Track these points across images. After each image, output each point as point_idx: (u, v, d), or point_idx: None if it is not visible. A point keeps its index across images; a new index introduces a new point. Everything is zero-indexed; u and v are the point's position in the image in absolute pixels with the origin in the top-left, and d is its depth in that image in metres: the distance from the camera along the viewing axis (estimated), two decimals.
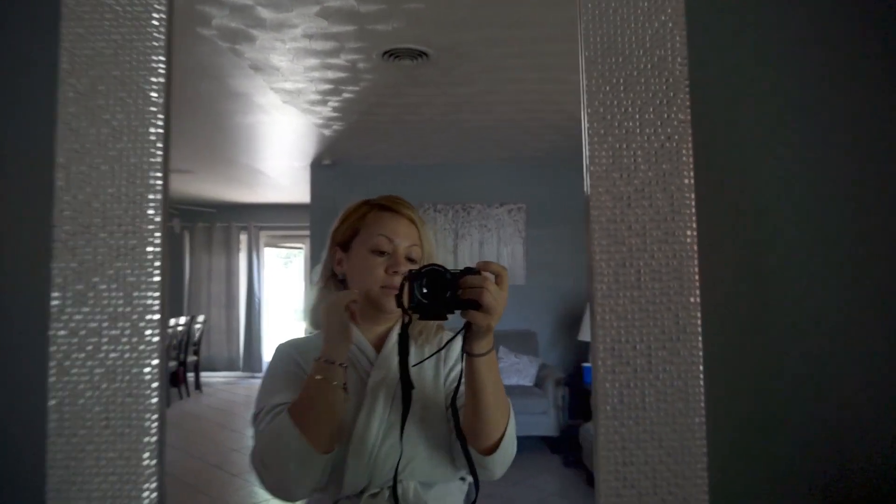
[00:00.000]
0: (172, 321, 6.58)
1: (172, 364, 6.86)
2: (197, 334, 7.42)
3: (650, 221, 0.49)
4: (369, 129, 4.62)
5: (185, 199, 7.49)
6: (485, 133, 4.70)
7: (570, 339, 5.43)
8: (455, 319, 0.96)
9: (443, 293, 0.90)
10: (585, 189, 0.53)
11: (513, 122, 4.41)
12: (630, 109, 0.51)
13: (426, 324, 1.19)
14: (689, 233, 0.50)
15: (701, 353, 0.55)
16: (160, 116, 0.44)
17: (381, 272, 1.14)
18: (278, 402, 1.08)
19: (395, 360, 1.07)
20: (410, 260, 1.17)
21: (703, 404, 0.55)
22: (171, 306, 7.74)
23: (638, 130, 0.51)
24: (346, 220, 1.23)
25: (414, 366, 1.06)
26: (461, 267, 0.93)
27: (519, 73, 3.41)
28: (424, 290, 0.90)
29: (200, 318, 7.50)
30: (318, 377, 1.02)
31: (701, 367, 0.56)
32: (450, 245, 5.62)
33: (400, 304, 0.97)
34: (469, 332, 0.94)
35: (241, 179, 6.37)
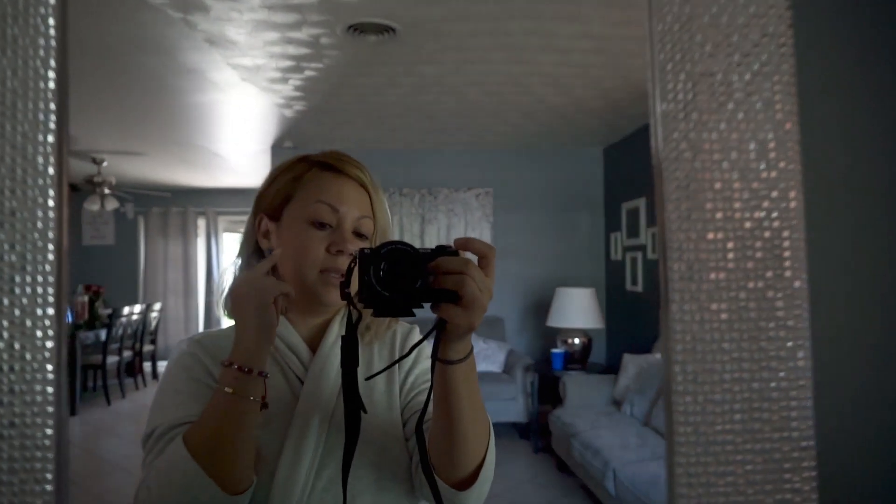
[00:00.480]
0: (127, 310, 6.33)
1: (128, 354, 6.63)
2: (153, 323, 7.18)
3: (742, 182, 0.36)
4: (333, 111, 4.46)
5: (139, 182, 7.18)
6: (451, 116, 4.60)
7: (537, 325, 5.42)
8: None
9: (409, 281, 0.67)
10: (655, 144, 0.40)
11: (479, 105, 4.32)
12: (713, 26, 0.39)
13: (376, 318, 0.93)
14: (793, 202, 0.36)
15: (810, 360, 0.37)
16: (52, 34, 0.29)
17: (320, 251, 0.88)
18: (175, 421, 0.82)
19: (337, 365, 0.87)
20: (359, 235, 0.92)
21: (812, 422, 0.39)
22: (126, 295, 7.48)
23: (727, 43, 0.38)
24: (277, 181, 0.95)
25: (367, 379, 0.85)
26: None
27: (485, 52, 3.31)
28: (382, 276, 0.67)
29: (157, 307, 7.24)
30: (228, 390, 0.76)
31: (809, 376, 0.38)
32: (416, 230, 5.52)
33: (346, 295, 0.74)
34: (443, 333, 0.70)
35: (196, 162, 6.12)
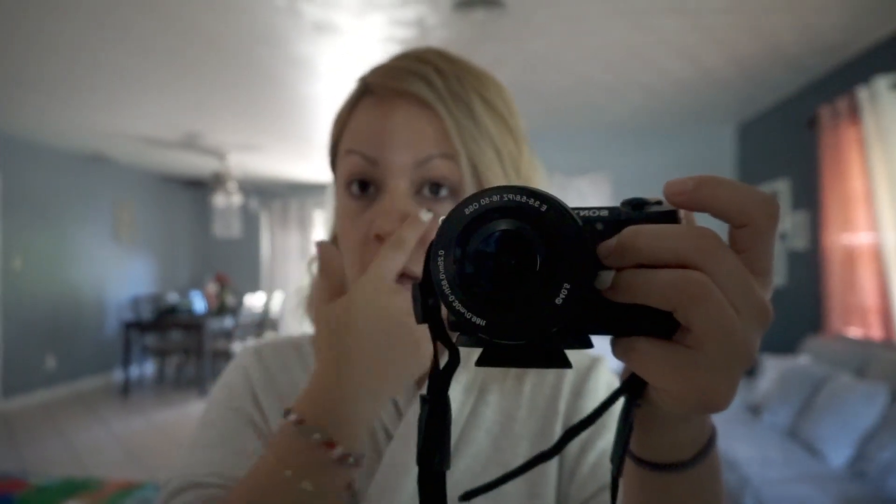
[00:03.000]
0: (250, 298, 6.66)
1: (251, 341, 6.99)
2: (275, 311, 7.54)
3: None
4: None
5: (260, 177, 7.53)
6: (563, 95, 4.32)
7: None
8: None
9: (539, 289, 0.28)
10: None
11: (594, 82, 4.01)
12: None
13: None
14: None
15: None
16: None
17: (358, 238, 0.54)
18: (192, 476, 0.53)
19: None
20: (434, 192, 0.53)
21: None
22: (250, 285, 7.87)
23: None
24: (333, 126, 0.60)
25: (471, 494, 0.39)
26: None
27: (602, 20, 3.02)
28: (483, 276, 0.29)
29: (278, 296, 7.60)
30: (288, 473, 0.44)
31: None
32: None
33: (428, 314, 0.34)
34: (641, 405, 0.34)
35: (311, 156, 6.28)
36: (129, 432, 4.77)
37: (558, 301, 0.27)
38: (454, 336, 0.33)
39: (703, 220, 0.31)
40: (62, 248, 6.03)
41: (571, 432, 0.36)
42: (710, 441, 0.36)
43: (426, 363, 0.47)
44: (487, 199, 0.28)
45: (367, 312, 0.46)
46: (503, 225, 0.28)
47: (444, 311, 0.31)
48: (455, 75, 0.55)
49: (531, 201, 0.28)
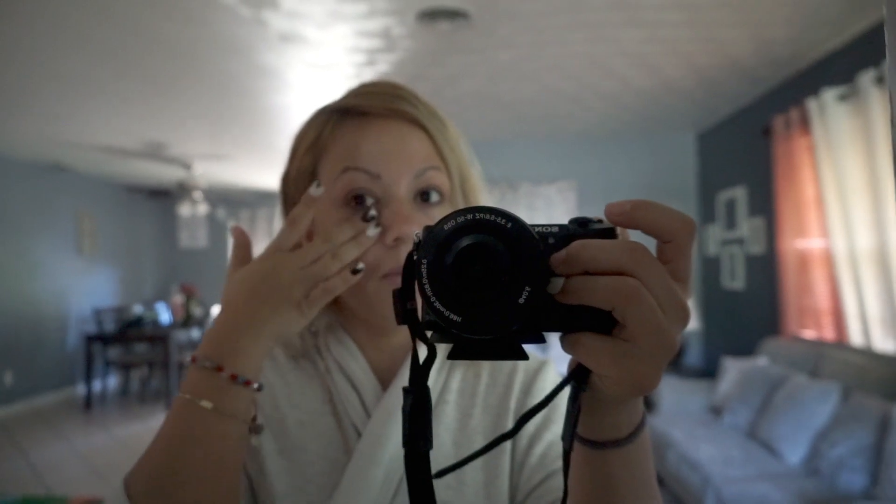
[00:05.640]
0: (215, 310, 6.56)
1: None
2: None
3: None
4: None
5: (228, 186, 7.44)
6: (529, 104, 4.39)
7: None
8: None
9: (504, 292, 0.34)
10: None
11: (559, 91, 4.09)
12: None
13: None
14: None
15: None
16: None
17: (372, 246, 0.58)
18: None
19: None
20: (425, 200, 0.61)
21: None
22: (217, 295, 7.74)
23: None
24: (296, 154, 0.66)
25: (439, 474, 0.42)
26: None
27: (564, 32, 3.09)
28: (451, 284, 0.34)
29: None
30: (190, 397, 0.51)
31: None
32: None
33: (405, 315, 0.39)
34: (585, 390, 0.39)
35: (279, 165, 6.22)
36: (92, 448, 4.66)
37: (521, 300, 0.34)
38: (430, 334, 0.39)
39: (636, 235, 0.36)
40: (21, 260, 5.87)
41: (527, 415, 0.41)
42: (642, 423, 0.42)
43: (292, 322, 0.54)
44: (462, 217, 0.34)
45: (249, 272, 0.55)
46: (475, 238, 0.34)
47: (420, 312, 0.38)
48: (422, 100, 0.64)
49: (498, 219, 0.34)
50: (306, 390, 0.66)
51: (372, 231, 0.56)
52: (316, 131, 0.64)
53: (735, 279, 4.50)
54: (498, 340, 0.37)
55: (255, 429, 0.54)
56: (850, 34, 3.11)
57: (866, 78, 2.85)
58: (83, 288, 6.76)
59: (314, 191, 0.56)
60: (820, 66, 3.42)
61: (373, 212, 0.57)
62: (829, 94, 3.12)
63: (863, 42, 3.04)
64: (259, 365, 0.53)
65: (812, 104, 3.26)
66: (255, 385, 0.53)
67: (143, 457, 0.51)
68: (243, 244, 0.59)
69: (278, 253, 0.55)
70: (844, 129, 3.04)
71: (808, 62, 3.51)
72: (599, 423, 0.41)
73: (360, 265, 0.56)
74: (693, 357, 5.01)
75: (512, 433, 0.41)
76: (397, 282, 0.53)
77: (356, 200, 0.60)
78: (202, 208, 6.35)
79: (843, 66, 3.15)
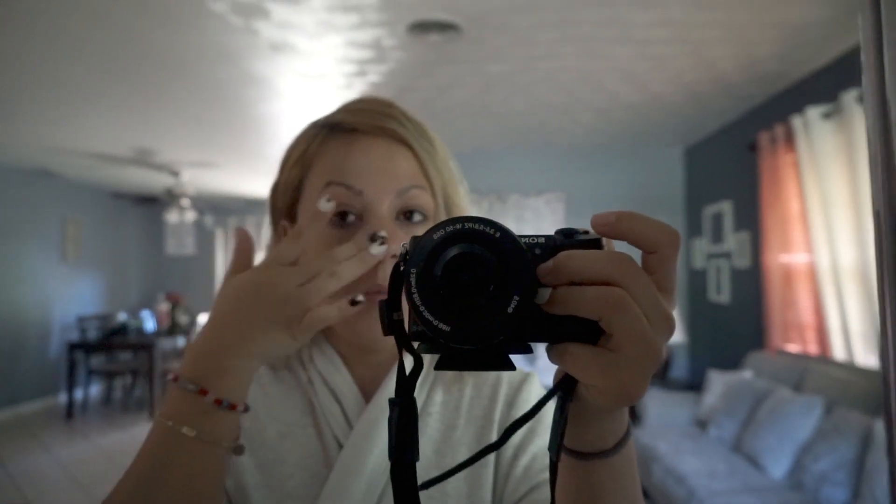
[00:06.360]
0: (204, 317, 6.51)
1: None
2: None
3: None
4: None
5: (216, 194, 7.41)
6: (519, 117, 4.43)
7: None
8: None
9: (492, 302, 0.33)
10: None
11: (549, 104, 4.12)
12: None
13: None
14: None
15: None
16: None
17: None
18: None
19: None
20: (408, 219, 0.61)
21: None
22: (204, 303, 7.70)
23: None
24: (286, 166, 0.66)
25: (426, 485, 0.41)
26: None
27: (554, 46, 3.12)
28: (441, 294, 0.34)
29: None
30: (171, 424, 0.50)
31: None
32: None
33: (392, 326, 0.39)
34: (571, 401, 0.39)
35: (269, 172, 6.21)
36: (74, 458, 4.58)
37: (510, 310, 0.33)
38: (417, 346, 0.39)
39: (621, 246, 0.36)
40: (3, 266, 5.79)
41: (514, 426, 0.40)
42: (627, 433, 0.42)
43: (282, 344, 0.52)
44: (452, 226, 0.34)
45: (243, 283, 0.53)
46: (464, 248, 0.34)
47: (406, 323, 0.38)
48: (412, 119, 0.64)
49: (486, 229, 0.34)
50: (286, 402, 0.66)
51: (376, 249, 0.55)
52: (304, 145, 0.65)
53: (721, 293, 4.53)
54: (485, 351, 0.37)
55: (237, 450, 0.53)
56: (834, 54, 3.17)
57: (849, 97, 2.90)
58: (67, 295, 6.68)
59: (323, 206, 0.56)
60: (804, 85, 3.48)
61: (383, 232, 0.56)
62: (814, 112, 3.17)
63: (846, 62, 3.10)
64: (246, 385, 0.52)
65: (797, 121, 3.31)
66: (241, 407, 0.52)
67: (122, 480, 0.50)
68: (245, 250, 0.59)
69: (277, 266, 0.53)
70: (828, 146, 3.09)
71: (793, 80, 3.57)
72: (585, 434, 0.41)
73: (360, 297, 0.55)
74: (679, 370, 5.03)
75: (498, 445, 0.40)
76: (374, 300, 0.57)
77: (339, 216, 0.60)
78: (190, 215, 6.31)
79: (826, 84, 3.21)
